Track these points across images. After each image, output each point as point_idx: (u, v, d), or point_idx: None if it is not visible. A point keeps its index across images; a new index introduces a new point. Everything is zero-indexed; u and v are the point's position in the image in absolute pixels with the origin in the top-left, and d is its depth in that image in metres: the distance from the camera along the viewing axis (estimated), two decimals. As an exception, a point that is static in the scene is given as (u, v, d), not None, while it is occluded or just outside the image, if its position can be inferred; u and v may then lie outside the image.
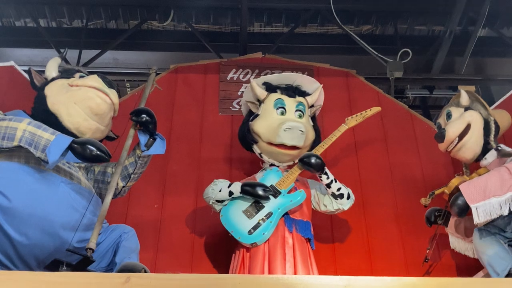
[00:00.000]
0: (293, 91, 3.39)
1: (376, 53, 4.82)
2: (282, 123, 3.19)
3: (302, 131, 3.18)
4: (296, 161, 3.35)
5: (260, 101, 3.39)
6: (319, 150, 3.20)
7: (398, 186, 3.86)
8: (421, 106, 5.88)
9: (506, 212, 2.73)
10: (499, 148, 3.12)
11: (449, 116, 3.26)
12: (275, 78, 3.45)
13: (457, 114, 3.23)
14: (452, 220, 3.21)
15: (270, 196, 2.99)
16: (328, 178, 3.11)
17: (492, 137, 3.14)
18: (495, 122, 3.18)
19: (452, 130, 3.16)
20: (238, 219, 2.98)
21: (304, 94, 3.42)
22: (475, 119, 3.16)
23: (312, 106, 3.44)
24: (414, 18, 5.26)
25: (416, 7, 5.09)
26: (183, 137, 3.95)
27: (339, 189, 3.14)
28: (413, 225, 3.55)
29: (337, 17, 4.83)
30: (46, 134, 2.38)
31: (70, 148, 2.40)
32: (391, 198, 3.80)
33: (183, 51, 5.23)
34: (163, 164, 3.75)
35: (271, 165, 3.32)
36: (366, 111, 3.44)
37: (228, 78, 4.31)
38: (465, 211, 2.84)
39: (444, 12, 4.94)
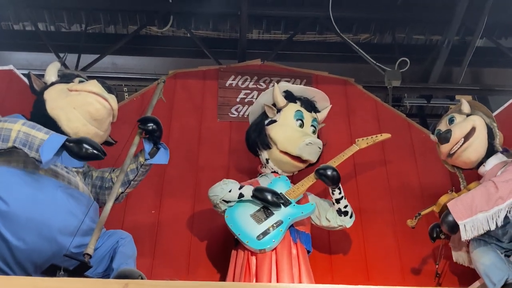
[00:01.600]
0: (310, 105, 3.41)
1: (374, 62, 4.84)
2: (303, 136, 3.22)
3: (320, 148, 3.25)
4: (296, 172, 3.36)
5: (276, 107, 3.38)
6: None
7: (395, 194, 3.87)
8: (418, 114, 5.90)
9: (493, 227, 2.76)
10: (507, 150, 3.16)
11: (452, 120, 3.28)
12: (297, 89, 3.47)
13: (460, 119, 3.25)
14: (454, 235, 3.21)
15: (281, 205, 3.00)
16: (340, 193, 3.14)
17: (497, 141, 3.17)
18: (497, 128, 3.21)
19: (459, 130, 3.17)
20: (246, 223, 2.96)
21: (316, 110, 3.45)
22: (479, 122, 3.19)
23: None
24: (412, 27, 5.29)
25: (414, 16, 5.12)
26: (181, 143, 3.95)
27: (345, 206, 3.18)
28: (410, 233, 3.54)
29: (336, 25, 4.85)
30: (40, 133, 2.37)
31: (65, 147, 2.38)
32: (388, 207, 3.80)
33: (182, 57, 5.23)
34: (161, 169, 3.73)
35: (273, 172, 3.32)
36: (377, 136, 3.46)
37: (226, 85, 4.31)
38: (456, 227, 2.85)
39: (442, 22, 4.96)
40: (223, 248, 3.34)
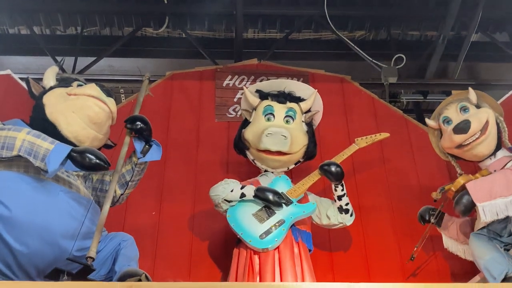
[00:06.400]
0: (284, 97, 3.42)
1: (370, 59, 4.85)
2: (265, 129, 3.23)
3: (284, 136, 3.20)
4: (291, 167, 3.36)
5: (254, 109, 3.43)
6: None
7: (394, 191, 3.88)
8: (414, 110, 5.91)
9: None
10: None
11: (465, 109, 3.22)
12: (267, 85, 3.50)
13: (473, 110, 3.21)
14: (446, 221, 3.24)
15: (283, 204, 3.01)
16: (343, 190, 3.15)
17: (506, 136, 3.17)
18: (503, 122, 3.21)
19: (477, 122, 3.11)
20: (248, 222, 2.97)
21: (298, 100, 3.44)
22: (491, 116, 3.17)
23: (308, 111, 3.46)
24: (407, 24, 5.29)
25: (409, 12, 5.12)
26: (180, 144, 3.96)
27: (347, 204, 3.19)
28: (410, 230, 3.56)
29: (331, 23, 4.86)
30: (45, 143, 2.39)
31: (69, 157, 2.41)
32: (387, 203, 3.82)
33: (178, 58, 5.22)
34: (160, 171, 3.76)
35: (266, 171, 3.34)
36: (376, 135, 3.48)
37: (224, 85, 4.32)
38: (470, 210, 2.86)
39: (437, 17, 4.98)
40: (224, 248, 3.36)
